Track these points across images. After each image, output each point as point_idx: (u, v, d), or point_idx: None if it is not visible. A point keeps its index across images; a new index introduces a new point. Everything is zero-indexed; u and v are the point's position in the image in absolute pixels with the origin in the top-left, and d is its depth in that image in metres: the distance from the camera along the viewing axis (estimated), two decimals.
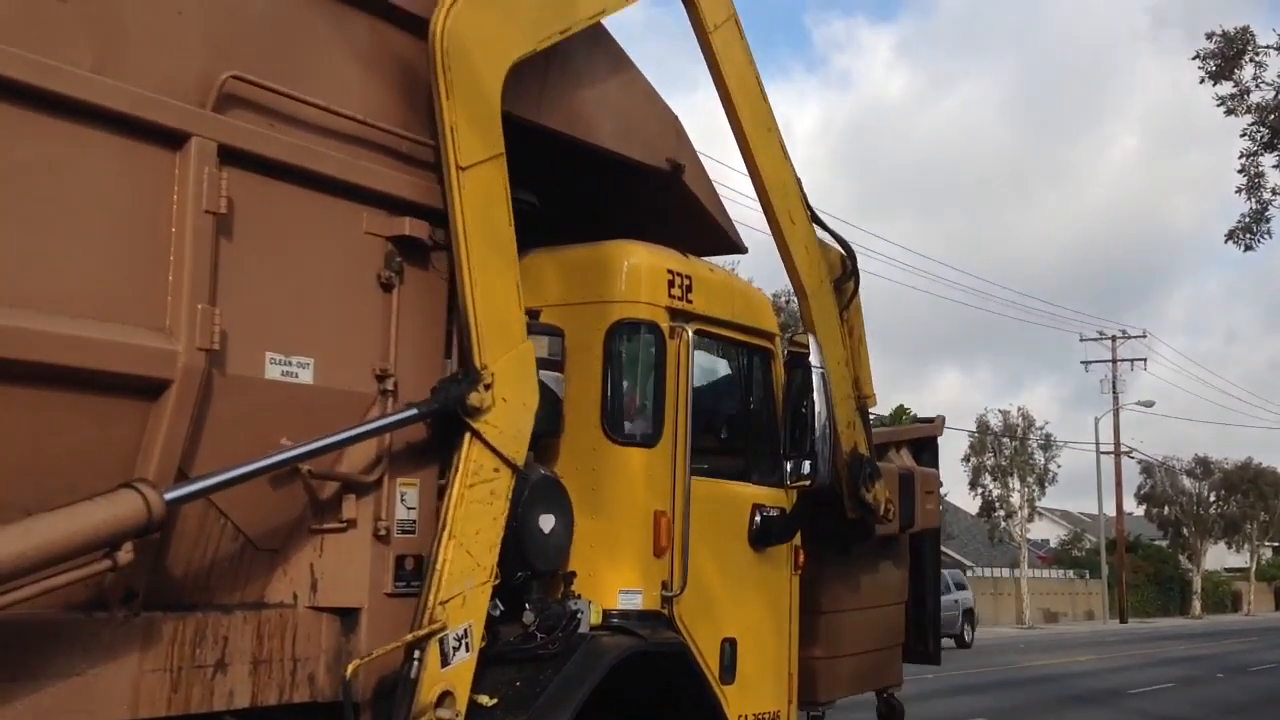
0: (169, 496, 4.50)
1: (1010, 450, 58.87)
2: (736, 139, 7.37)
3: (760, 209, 7.63)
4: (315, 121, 5.16)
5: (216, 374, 4.72)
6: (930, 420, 10.34)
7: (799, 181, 7.77)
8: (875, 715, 9.05)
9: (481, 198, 5.61)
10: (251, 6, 5.01)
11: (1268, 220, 21.27)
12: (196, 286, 4.63)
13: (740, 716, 6.77)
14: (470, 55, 5.57)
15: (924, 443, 9.56)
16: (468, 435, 5.50)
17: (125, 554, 4.40)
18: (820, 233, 7.95)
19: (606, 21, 6.75)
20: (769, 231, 7.65)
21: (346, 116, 5.27)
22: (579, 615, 6.03)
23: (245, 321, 4.84)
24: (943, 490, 10.36)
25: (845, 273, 8.12)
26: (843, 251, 8.15)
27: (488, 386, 5.51)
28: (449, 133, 5.49)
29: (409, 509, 5.48)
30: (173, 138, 4.63)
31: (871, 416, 8.51)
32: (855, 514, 7.77)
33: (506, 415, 5.61)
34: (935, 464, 9.65)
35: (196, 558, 4.90)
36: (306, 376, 5.09)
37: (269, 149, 4.94)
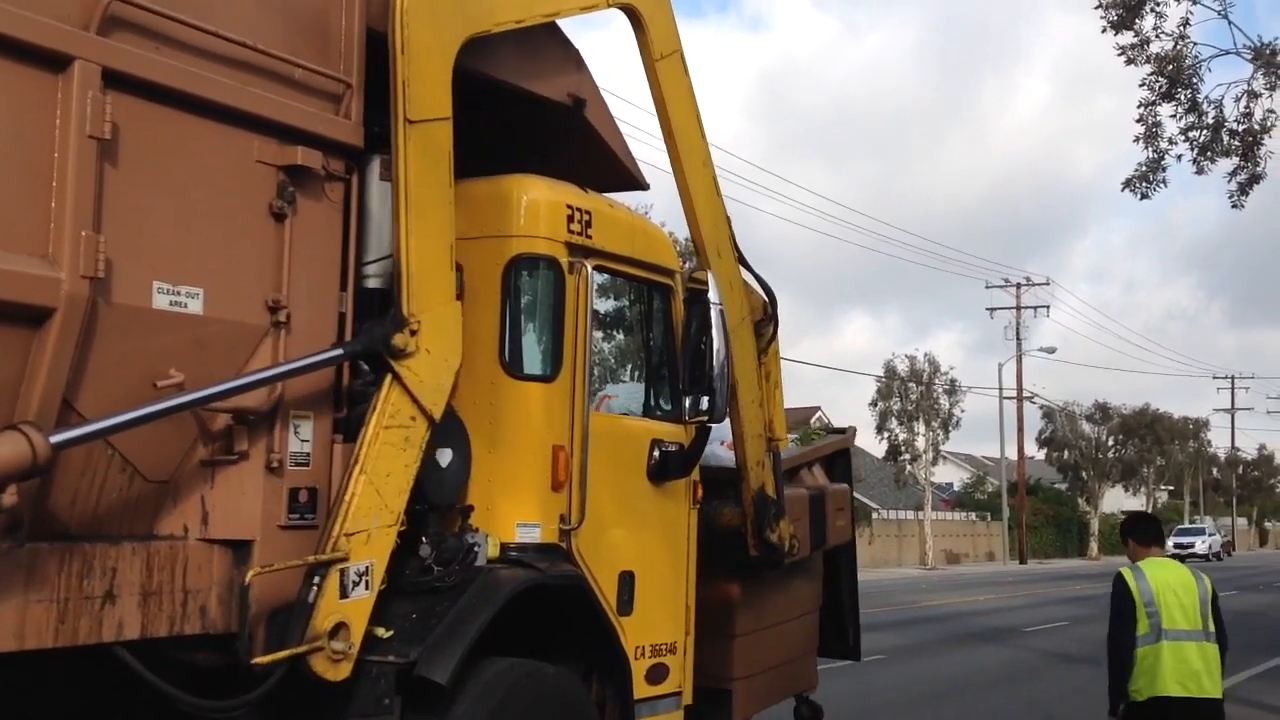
0: (55, 440, 4.44)
1: (916, 395, 59.79)
2: (673, 169, 7.54)
3: (693, 247, 7.75)
4: (204, 46, 5.05)
5: (101, 303, 4.63)
6: (841, 431, 10.49)
7: (729, 219, 7.92)
8: (794, 717, 9.26)
9: (427, 155, 5.73)
10: None
11: (1164, 169, 21.69)
12: (80, 213, 4.53)
13: (638, 647, 6.85)
14: (428, 19, 5.75)
15: (836, 455, 9.71)
16: (389, 377, 5.57)
17: (9, 496, 4.35)
18: (745, 275, 8.07)
19: None
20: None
21: (236, 42, 5.17)
22: (476, 548, 6.05)
23: (132, 250, 4.76)
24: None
25: (766, 317, 8.22)
26: (765, 296, 8.25)
27: (413, 332, 5.61)
28: (400, 86, 5.62)
29: (303, 441, 5.45)
30: (54, 61, 4.51)
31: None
32: (758, 552, 7.89)
33: (429, 366, 5.68)
34: (848, 473, 9.80)
35: (84, 488, 4.83)
36: (196, 307, 5.02)
37: (155, 73, 4.84)
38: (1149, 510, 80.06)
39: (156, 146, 4.90)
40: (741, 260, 8.02)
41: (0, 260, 4.32)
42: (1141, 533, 7.87)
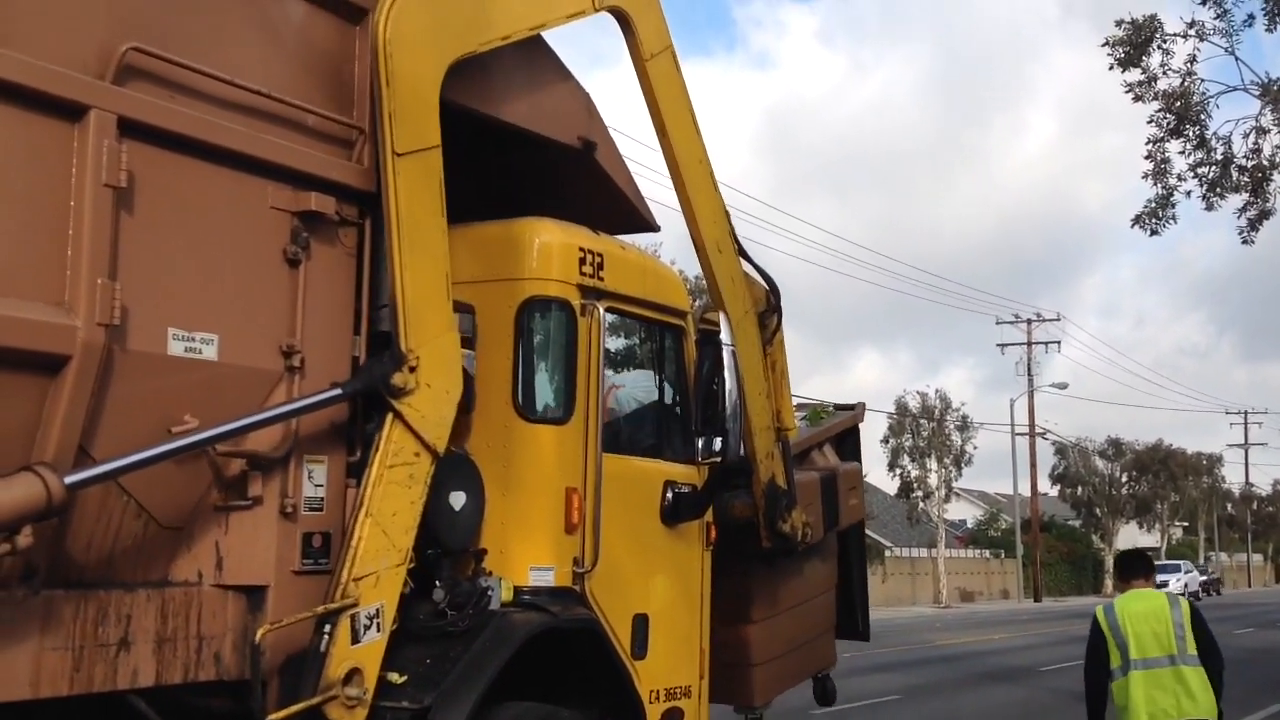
0: (69, 480, 4.45)
1: (928, 432, 59.62)
2: (669, 168, 7.46)
3: (692, 245, 7.67)
4: (219, 94, 5.11)
5: (117, 350, 4.66)
6: (851, 408, 10.39)
7: (727, 214, 7.88)
8: (812, 696, 9.41)
9: (416, 186, 5.67)
10: None
11: (1173, 205, 21.73)
12: (96, 261, 4.57)
13: (652, 691, 6.82)
14: (412, 47, 5.66)
15: (845, 433, 9.72)
16: (390, 416, 5.54)
17: (24, 538, 4.35)
18: (746, 267, 8.04)
19: None
20: (697, 260, 7.69)
21: (251, 90, 5.22)
22: (489, 592, 6.03)
23: (147, 297, 4.79)
24: (864, 472, 10.51)
25: (769, 307, 8.21)
26: (767, 286, 8.25)
27: (412, 369, 5.56)
28: (387, 119, 5.55)
29: (316, 486, 5.45)
30: (71, 110, 4.56)
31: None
32: (770, 544, 7.90)
33: (430, 400, 5.64)
34: (857, 450, 9.84)
35: (99, 535, 4.84)
36: (210, 353, 5.04)
37: (170, 121, 4.88)
38: (1163, 547, 79.87)
39: (172, 194, 4.94)
40: (742, 252, 7.98)
41: (16, 308, 4.36)
42: (1123, 569, 8.22)
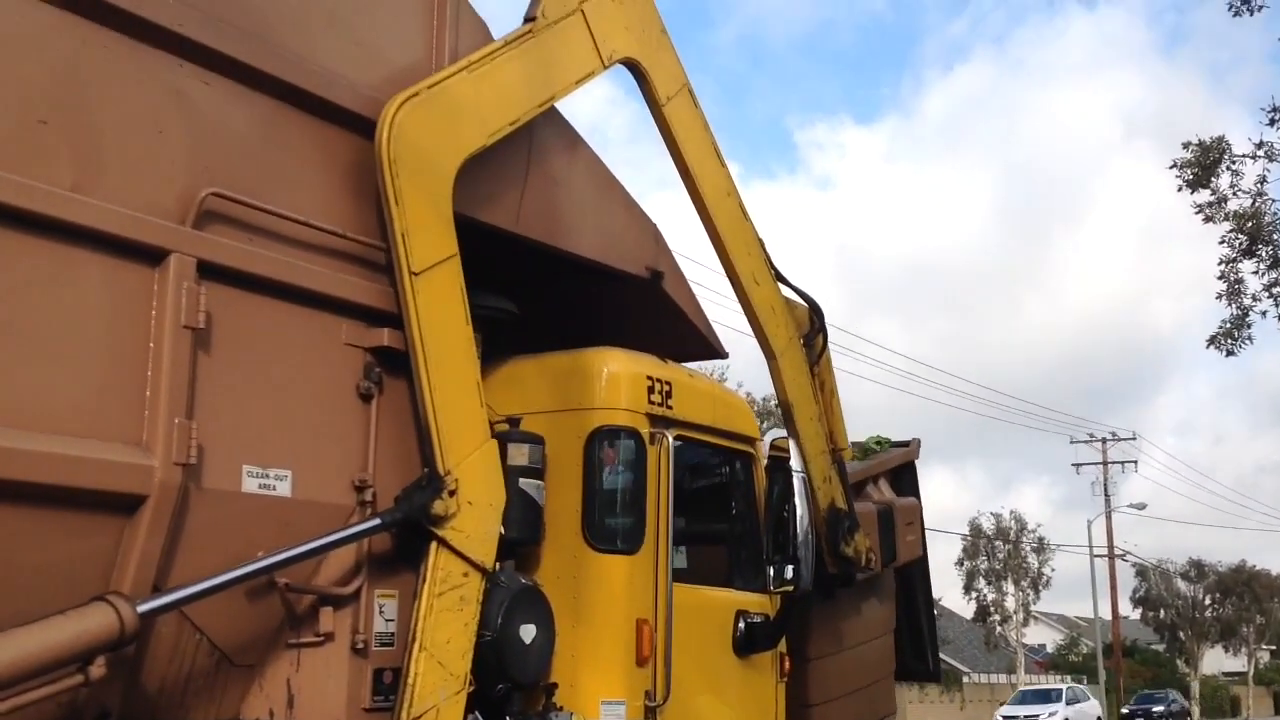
0: (142, 608, 4.47)
1: (1004, 554, 58.53)
2: (695, 206, 7.30)
3: (726, 278, 7.54)
4: (294, 235, 5.22)
5: (193, 488, 4.71)
6: (905, 444, 10.05)
7: (761, 242, 7.71)
8: None
9: (437, 301, 5.58)
10: (232, 124, 5.08)
11: (1249, 325, 21.42)
12: (174, 401, 4.64)
13: None
14: (417, 159, 5.56)
15: (902, 469, 9.58)
16: (434, 544, 5.45)
17: (98, 668, 4.35)
18: (785, 290, 7.92)
19: (588, 132, 6.88)
20: (734, 296, 7.55)
21: (325, 230, 5.33)
22: None
23: (222, 435, 4.85)
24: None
25: (814, 328, 8.11)
26: (808, 307, 8.12)
27: (452, 493, 5.47)
28: (400, 239, 5.46)
29: (388, 621, 5.43)
30: (152, 255, 4.67)
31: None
32: (835, 569, 7.78)
33: (473, 519, 5.58)
34: (915, 487, 9.70)
35: (171, 674, 4.84)
36: (284, 489, 5.08)
37: (248, 263, 4.99)
38: (1250, 671, 77.24)
39: (248, 333, 5.03)
40: (779, 277, 7.82)
41: (96, 450, 4.42)
42: None
